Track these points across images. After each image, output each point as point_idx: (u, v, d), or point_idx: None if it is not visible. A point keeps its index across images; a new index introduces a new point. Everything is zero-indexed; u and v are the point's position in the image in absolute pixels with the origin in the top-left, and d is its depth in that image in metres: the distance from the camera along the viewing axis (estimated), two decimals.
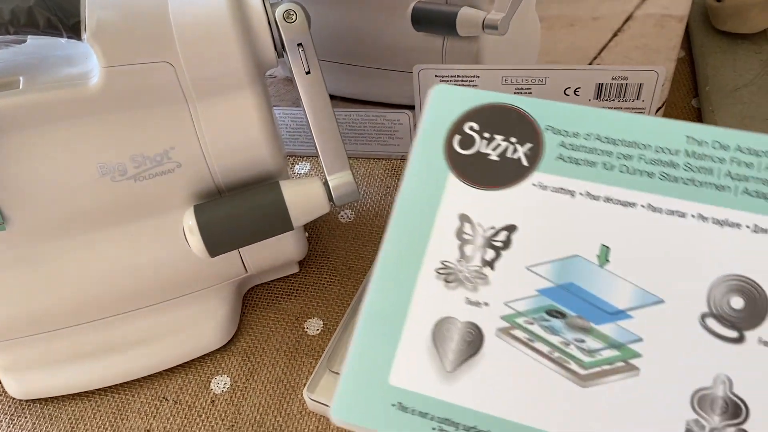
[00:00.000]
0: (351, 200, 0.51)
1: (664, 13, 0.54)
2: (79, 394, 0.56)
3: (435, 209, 0.38)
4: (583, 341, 0.36)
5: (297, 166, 0.71)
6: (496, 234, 0.38)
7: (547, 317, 0.36)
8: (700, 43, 0.76)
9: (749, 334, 0.35)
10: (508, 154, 0.39)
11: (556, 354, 0.36)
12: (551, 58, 0.58)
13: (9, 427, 0.55)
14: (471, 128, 0.40)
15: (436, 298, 0.37)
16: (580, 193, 0.38)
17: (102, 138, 0.46)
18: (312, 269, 0.63)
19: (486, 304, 0.37)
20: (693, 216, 0.37)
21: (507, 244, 0.37)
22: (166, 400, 0.56)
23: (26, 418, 0.55)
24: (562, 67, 0.59)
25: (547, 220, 0.38)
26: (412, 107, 0.64)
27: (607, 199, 0.37)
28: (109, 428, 0.54)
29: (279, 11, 0.47)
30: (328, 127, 0.50)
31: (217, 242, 0.49)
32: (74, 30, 0.44)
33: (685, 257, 0.36)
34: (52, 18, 0.43)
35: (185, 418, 0.55)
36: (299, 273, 0.63)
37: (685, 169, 0.38)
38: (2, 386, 0.56)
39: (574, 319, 0.36)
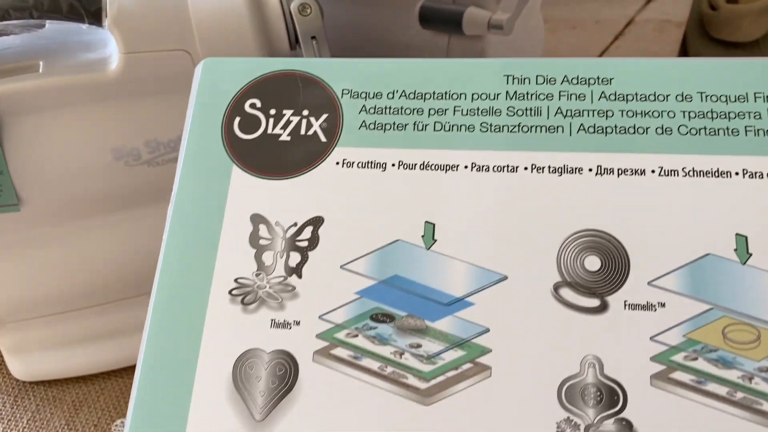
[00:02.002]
0: None
1: (664, 18, 0.54)
2: (83, 377, 0.56)
3: (220, 213, 0.32)
4: (419, 346, 0.30)
5: None
6: (299, 232, 0.31)
7: (372, 324, 0.30)
8: (695, 50, 0.74)
9: (612, 300, 0.30)
10: (302, 131, 0.33)
11: (390, 369, 0.30)
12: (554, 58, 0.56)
13: (12, 408, 0.54)
14: (253, 106, 0.34)
15: (234, 328, 0.31)
16: (393, 164, 0.32)
17: (118, 123, 0.47)
18: None
19: (297, 323, 0.30)
20: (526, 168, 0.31)
21: (314, 242, 0.31)
22: None
23: (30, 400, 0.55)
24: None
25: (358, 204, 0.32)
26: None
27: (424, 166, 0.32)
28: (113, 412, 0.54)
29: (294, 4, 0.47)
30: None
31: None
32: (95, 16, 0.45)
33: (524, 219, 0.30)
34: (75, 3, 0.44)
35: None
36: None
37: (509, 114, 0.32)
38: (6, 368, 0.56)
39: (406, 320, 0.30)
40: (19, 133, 0.46)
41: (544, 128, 0.32)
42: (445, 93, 0.33)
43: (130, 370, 0.56)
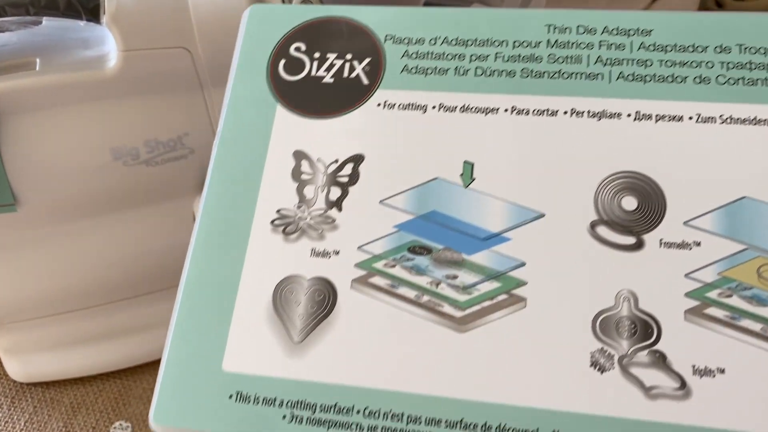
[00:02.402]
0: None
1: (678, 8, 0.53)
2: (81, 379, 0.55)
3: (263, 149, 0.33)
4: (455, 277, 0.30)
5: None
6: (340, 168, 0.32)
7: (410, 256, 0.31)
8: None
9: (648, 238, 0.30)
10: (345, 74, 0.34)
11: (426, 297, 0.30)
12: None
13: (9, 410, 0.54)
14: (297, 49, 0.35)
15: (275, 256, 0.32)
16: (433, 107, 0.32)
17: (116, 122, 0.46)
18: None
19: (336, 252, 0.31)
20: (565, 113, 0.31)
21: (354, 178, 0.32)
22: None
23: (27, 401, 0.54)
24: None
25: (399, 144, 0.32)
26: None
27: (465, 109, 0.32)
28: (111, 414, 0.53)
29: (296, 1, 0.46)
30: None
31: None
32: (93, 13, 0.44)
33: (563, 160, 0.31)
34: (72, 0, 0.43)
35: None
36: None
37: (550, 62, 0.32)
38: (3, 369, 0.55)
39: (442, 253, 0.31)
40: (16, 132, 0.45)
41: (583, 75, 0.33)
42: (487, 40, 0.33)
43: (129, 371, 0.56)
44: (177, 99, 0.47)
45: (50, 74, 0.44)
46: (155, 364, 0.55)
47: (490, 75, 0.33)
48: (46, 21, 0.48)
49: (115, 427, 0.52)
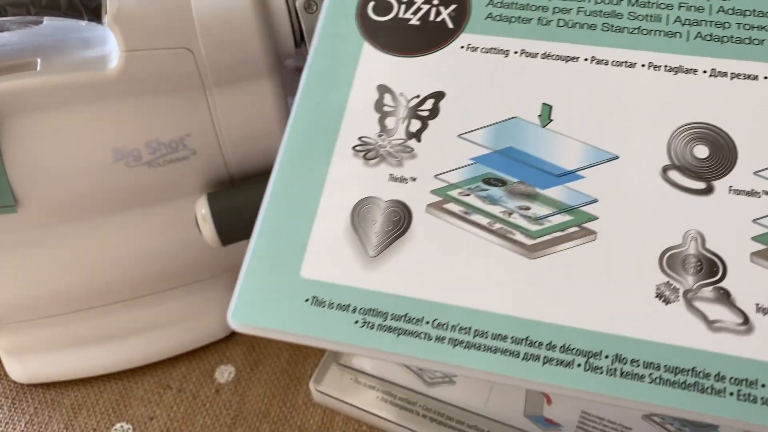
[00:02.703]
0: None
1: None
2: (81, 380, 0.55)
3: (349, 81, 0.35)
4: (528, 208, 0.32)
5: None
6: (421, 103, 0.34)
7: (484, 186, 0.32)
8: None
9: (718, 184, 0.31)
10: (431, 18, 0.35)
11: (498, 225, 0.31)
12: None
13: (10, 411, 0.53)
14: None
15: (355, 178, 0.33)
16: (515, 52, 0.34)
17: (118, 123, 0.46)
18: None
19: (413, 179, 0.33)
20: (643, 65, 0.33)
21: (434, 112, 0.33)
22: (170, 388, 0.54)
23: (28, 402, 0.54)
24: None
25: (479, 84, 0.34)
26: None
27: (546, 55, 0.34)
28: (112, 415, 0.53)
29: (300, 1, 0.46)
30: None
31: (229, 231, 0.47)
32: (95, 12, 0.43)
33: (639, 108, 0.32)
34: (74, 0, 0.42)
35: (189, 406, 0.53)
36: None
37: (630, 19, 0.34)
38: (4, 369, 0.55)
39: (516, 186, 0.32)
40: (16, 133, 0.44)
41: (662, 33, 0.34)
42: None
43: (129, 372, 0.55)
44: (179, 100, 0.46)
45: (51, 74, 0.43)
46: (156, 365, 0.56)
47: (571, 27, 0.34)
48: (47, 21, 0.48)
49: (116, 429, 0.52)
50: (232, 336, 0.56)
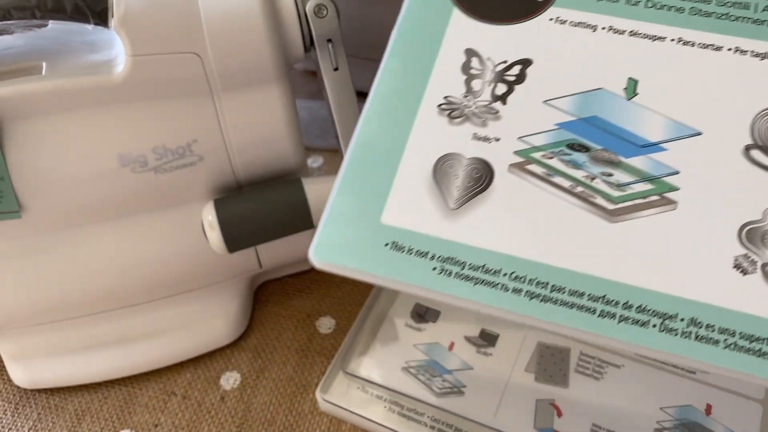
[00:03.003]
0: None
1: None
2: (85, 386, 0.54)
3: (437, 44, 0.35)
4: (610, 175, 0.32)
5: (309, 160, 0.70)
6: (508, 68, 0.34)
7: (568, 151, 0.33)
8: None
9: None
10: None
11: (580, 188, 0.32)
12: None
13: (13, 416, 0.53)
14: None
15: (439, 134, 0.34)
16: (603, 28, 0.35)
17: (124, 128, 0.45)
18: None
19: (497, 139, 0.33)
20: (729, 50, 0.34)
21: (521, 78, 0.34)
22: (175, 395, 0.54)
23: (31, 408, 0.53)
24: None
25: (566, 55, 0.34)
26: None
27: (633, 33, 0.34)
28: (116, 422, 0.52)
29: (310, 5, 0.46)
30: (353, 123, 0.48)
31: (236, 238, 0.47)
32: (101, 16, 0.43)
33: (723, 89, 0.33)
34: (80, 3, 0.42)
35: (194, 413, 0.52)
36: (311, 270, 0.60)
37: (718, 5, 0.35)
38: (8, 374, 0.55)
39: (600, 153, 0.32)
40: (21, 138, 0.44)
41: (750, 20, 0.35)
42: None
43: (134, 379, 0.55)
44: (186, 105, 0.46)
45: (57, 79, 0.43)
46: (161, 372, 0.55)
47: (660, 8, 0.35)
48: (52, 24, 0.47)
49: None
50: (238, 342, 0.56)
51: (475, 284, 0.30)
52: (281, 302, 0.59)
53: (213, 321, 0.55)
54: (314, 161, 0.70)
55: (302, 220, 0.48)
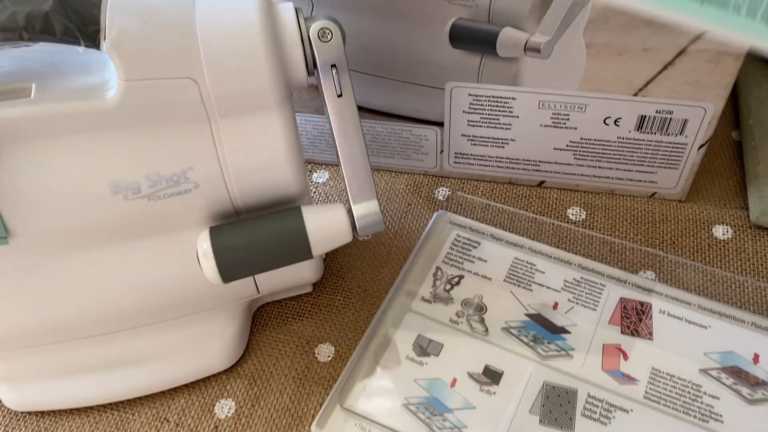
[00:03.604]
0: (376, 231, 0.49)
1: (721, 49, 0.52)
2: (77, 410, 0.54)
3: None
4: None
5: (315, 174, 0.69)
6: None
7: None
8: (745, 72, 0.73)
9: None
10: None
11: None
12: (594, 85, 0.56)
13: None
14: None
15: None
16: None
17: (116, 154, 0.44)
18: (325, 289, 0.60)
19: None
20: None
21: None
22: (168, 421, 0.53)
23: (21, 431, 0.53)
24: (605, 95, 0.57)
25: None
26: (440, 124, 0.63)
27: None
28: None
29: (314, 29, 0.45)
30: (357, 153, 0.48)
31: (231, 269, 0.46)
32: (93, 39, 0.41)
33: None
34: (70, 25, 0.40)
35: None
36: (312, 293, 0.60)
37: None
38: None
39: None
40: (8, 162, 0.43)
41: None
42: None
43: (127, 403, 0.54)
44: (181, 131, 0.44)
45: (47, 103, 0.42)
46: (154, 397, 0.54)
47: None
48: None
49: None
50: (233, 368, 0.55)
51: None
52: (280, 326, 0.58)
53: (209, 346, 0.54)
54: (320, 176, 0.69)
55: (300, 249, 0.46)
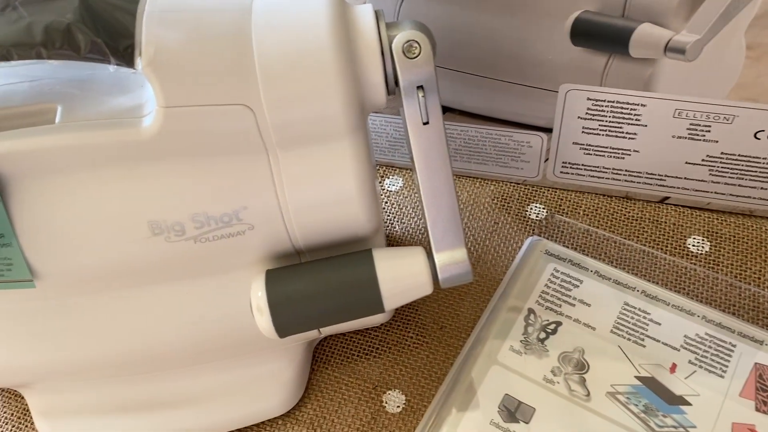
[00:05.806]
0: (461, 283, 0.43)
1: None
2: None
3: None
4: None
5: (387, 181, 0.64)
6: None
7: None
8: None
9: None
10: None
11: None
12: (748, 94, 0.50)
13: None
14: None
15: None
16: None
17: (155, 191, 0.39)
18: (396, 325, 0.54)
19: None
20: None
21: None
22: None
23: None
24: (761, 106, 0.50)
25: None
26: (547, 130, 0.57)
27: None
28: None
29: (398, 41, 0.38)
30: (444, 192, 0.42)
31: (288, 324, 0.41)
32: (125, 56, 0.36)
33: None
34: (97, 40, 0.35)
35: None
36: (380, 327, 0.54)
37: None
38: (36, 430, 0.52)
39: None
40: (32, 199, 0.39)
41: None
42: None
43: None
44: (233, 165, 0.39)
45: (72, 132, 0.37)
46: None
47: None
48: None
49: None
50: (291, 413, 0.51)
51: None
52: (344, 365, 0.53)
53: (264, 388, 0.50)
54: (392, 183, 0.64)
55: (370, 304, 0.41)
